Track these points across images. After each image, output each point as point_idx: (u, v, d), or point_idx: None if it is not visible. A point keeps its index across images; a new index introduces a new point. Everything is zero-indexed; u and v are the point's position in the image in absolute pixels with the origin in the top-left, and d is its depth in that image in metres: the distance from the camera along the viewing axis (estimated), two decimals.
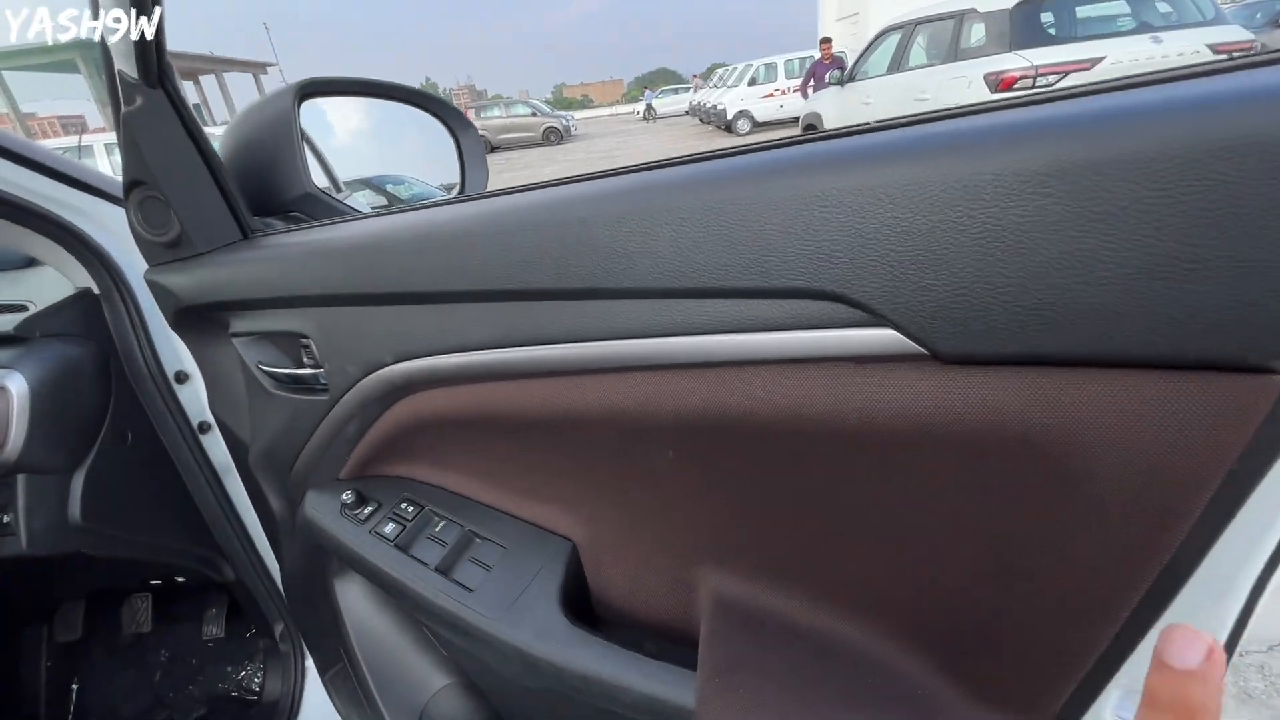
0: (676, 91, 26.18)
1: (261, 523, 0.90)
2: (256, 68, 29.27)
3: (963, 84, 4.42)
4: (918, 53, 5.25)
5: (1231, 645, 0.35)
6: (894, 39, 5.48)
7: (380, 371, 0.57)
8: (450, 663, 0.86)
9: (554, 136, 17.46)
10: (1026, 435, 0.31)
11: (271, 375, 0.69)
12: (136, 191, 0.65)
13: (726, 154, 0.39)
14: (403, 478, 0.71)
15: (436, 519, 0.66)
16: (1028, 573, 0.34)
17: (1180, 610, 0.33)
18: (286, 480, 0.74)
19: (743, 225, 0.35)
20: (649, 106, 24.97)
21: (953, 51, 4.72)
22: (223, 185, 0.67)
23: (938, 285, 0.30)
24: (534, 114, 18.18)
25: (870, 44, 5.87)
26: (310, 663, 1.12)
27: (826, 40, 7.93)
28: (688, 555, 0.52)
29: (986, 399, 0.32)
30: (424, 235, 0.51)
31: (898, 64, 5.36)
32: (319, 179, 1.06)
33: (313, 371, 0.65)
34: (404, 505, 0.67)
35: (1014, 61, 4.11)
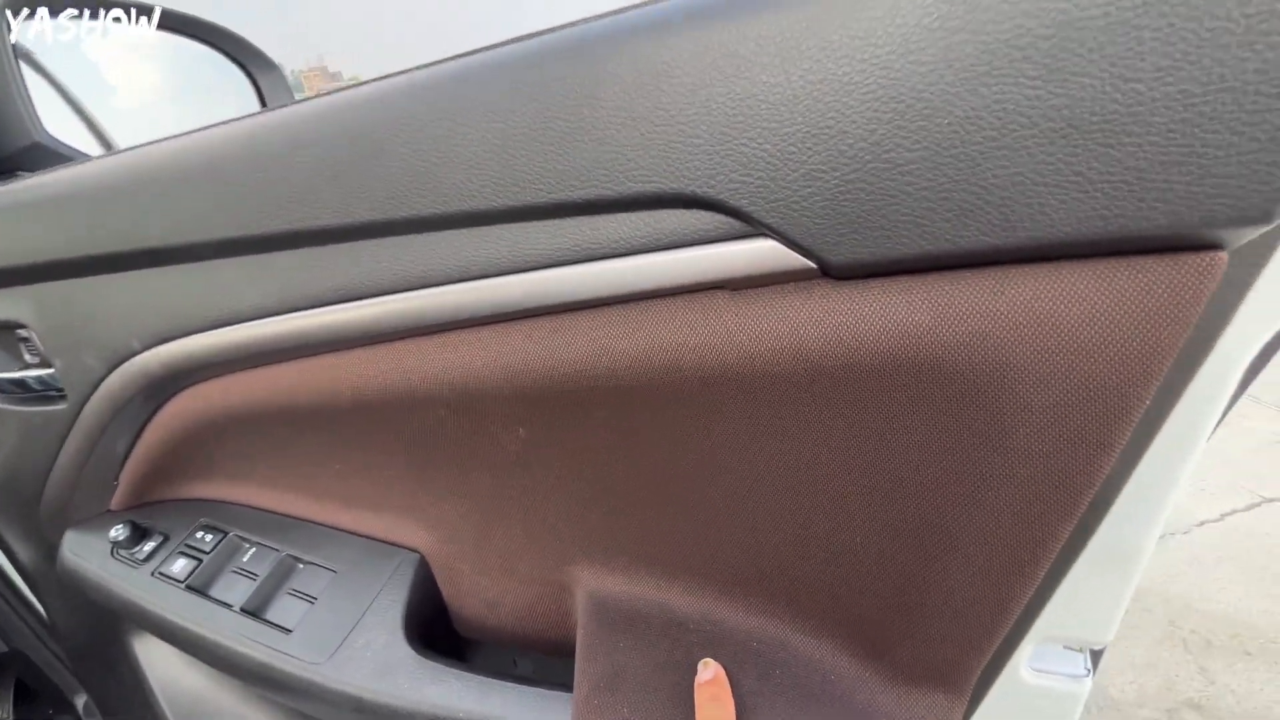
0: None
1: (20, 576, 0.70)
2: None
3: None
4: None
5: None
6: None
7: (130, 362, 0.43)
8: (289, 715, 0.72)
9: None
10: (937, 359, 0.25)
11: None
12: None
13: (557, 29, 0.29)
14: (201, 500, 0.56)
15: (245, 546, 0.52)
16: (942, 526, 0.29)
17: (1103, 542, 0.29)
18: (36, 520, 0.57)
19: (575, 114, 0.27)
20: None
21: None
22: None
23: (822, 173, 0.23)
24: None
25: None
26: None
27: None
28: (557, 552, 0.43)
29: (889, 320, 0.25)
30: (165, 171, 0.38)
31: None
32: (92, 150, 0.85)
33: (39, 373, 0.48)
34: (201, 534, 0.53)
35: None
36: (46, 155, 0.61)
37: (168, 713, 0.68)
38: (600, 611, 0.41)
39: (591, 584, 0.43)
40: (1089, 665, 0.35)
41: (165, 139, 0.39)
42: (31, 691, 1.04)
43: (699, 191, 0.25)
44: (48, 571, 0.61)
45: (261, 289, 0.36)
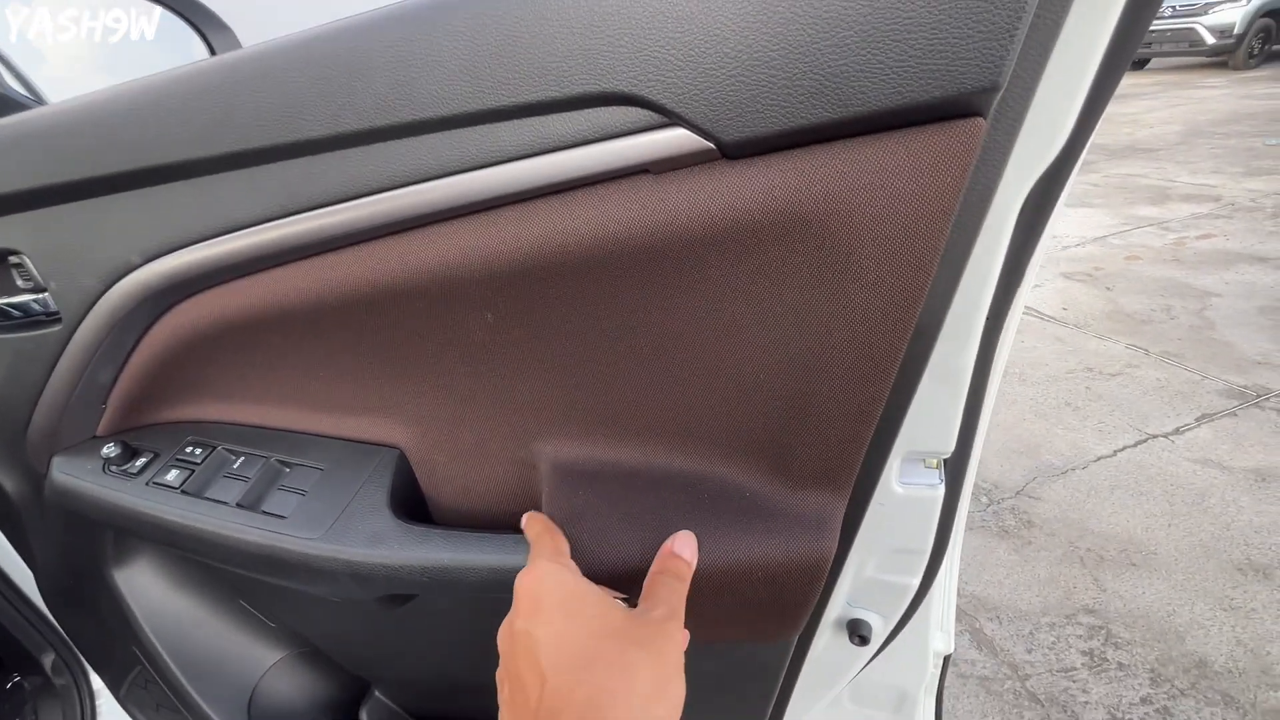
0: None
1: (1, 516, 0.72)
2: None
3: None
4: None
5: (978, 393, 0.42)
6: None
7: (129, 277, 0.48)
8: (281, 634, 0.77)
9: None
10: (802, 216, 0.34)
11: None
12: None
13: None
14: (185, 422, 0.61)
15: (234, 456, 0.57)
16: (814, 350, 0.38)
17: (936, 362, 0.39)
18: (21, 449, 0.60)
19: (527, 33, 0.34)
20: None
21: None
22: None
23: (715, 70, 0.32)
24: None
25: None
26: (99, 684, 0.93)
27: None
28: (522, 431, 0.51)
29: (769, 188, 0.34)
30: (163, 97, 0.43)
31: None
32: None
33: (33, 297, 0.52)
34: (190, 449, 0.58)
35: None
36: (6, 104, 0.64)
37: (154, 641, 0.72)
38: (561, 473, 0.49)
39: (553, 454, 0.50)
40: (941, 477, 0.46)
41: (164, 72, 0.44)
42: None
43: (626, 89, 0.33)
44: (31, 501, 0.64)
45: (258, 198, 0.42)
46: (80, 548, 0.66)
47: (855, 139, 0.32)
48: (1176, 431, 2.14)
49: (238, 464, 0.57)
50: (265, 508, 0.54)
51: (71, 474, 0.58)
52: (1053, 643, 1.51)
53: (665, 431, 0.46)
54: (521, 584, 0.38)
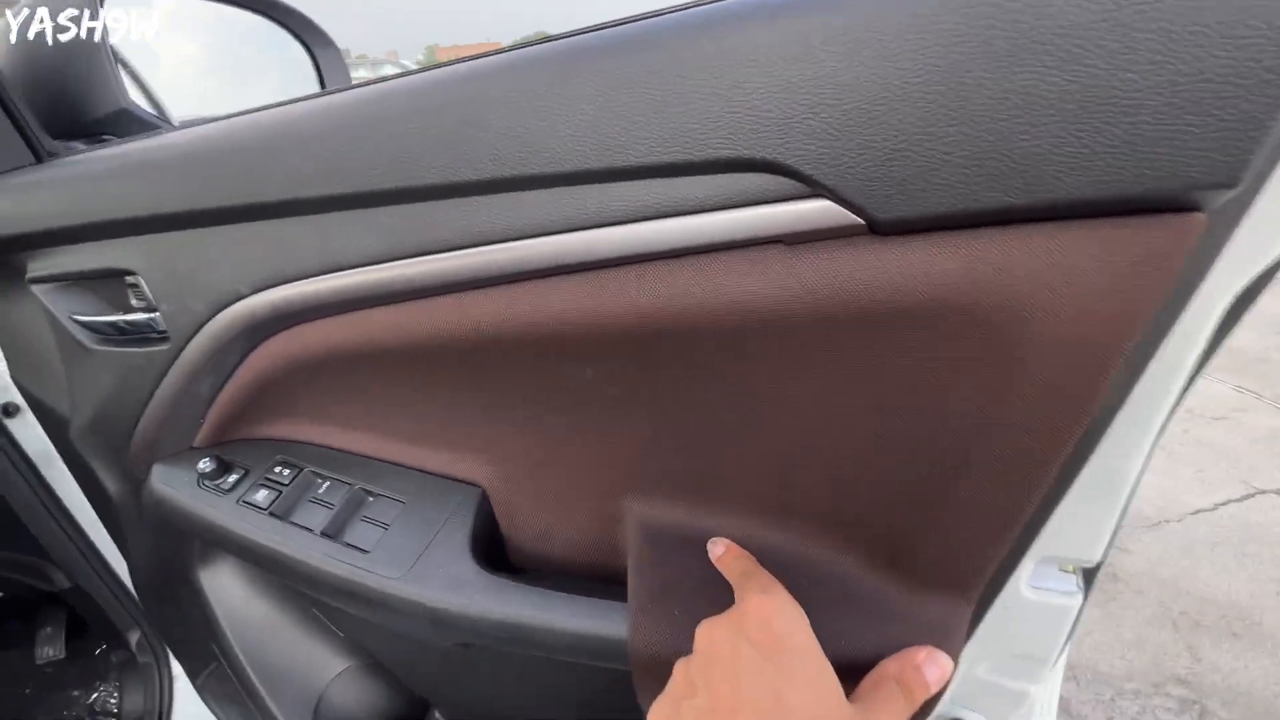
0: None
1: (98, 514, 0.76)
2: None
3: None
4: None
5: (1131, 494, 0.37)
6: None
7: (235, 306, 0.48)
8: (348, 645, 0.78)
9: None
10: (962, 304, 0.30)
11: (90, 327, 0.57)
12: None
13: (640, 18, 0.34)
14: (275, 439, 0.62)
15: (320, 480, 0.58)
16: (955, 447, 0.34)
17: (1096, 465, 0.34)
18: (125, 455, 0.62)
19: (665, 89, 0.31)
20: None
21: None
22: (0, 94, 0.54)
23: (876, 143, 0.28)
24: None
25: None
26: (178, 668, 0.98)
27: None
28: (611, 486, 0.49)
29: (926, 270, 0.30)
30: (281, 133, 0.43)
31: None
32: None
33: (146, 316, 0.53)
34: (278, 469, 0.58)
35: None
36: (133, 121, 0.66)
37: (232, 642, 0.74)
38: (649, 536, 0.47)
39: (641, 513, 0.48)
40: (1081, 584, 0.41)
41: (278, 104, 0.44)
42: (84, 628, 1.11)
43: (769, 157, 0.30)
44: (130, 504, 0.67)
45: (367, 240, 0.41)
46: (171, 550, 0.68)
47: (1037, 224, 0.28)
48: None
49: (323, 489, 0.57)
50: (348, 539, 0.54)
51: (168, 484, 0.60)
52: (1137, 713, 1.39)
53: (769, 509, 0.43)
54: (756, 602, 0.36)
